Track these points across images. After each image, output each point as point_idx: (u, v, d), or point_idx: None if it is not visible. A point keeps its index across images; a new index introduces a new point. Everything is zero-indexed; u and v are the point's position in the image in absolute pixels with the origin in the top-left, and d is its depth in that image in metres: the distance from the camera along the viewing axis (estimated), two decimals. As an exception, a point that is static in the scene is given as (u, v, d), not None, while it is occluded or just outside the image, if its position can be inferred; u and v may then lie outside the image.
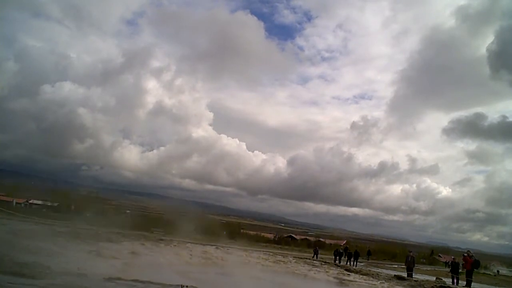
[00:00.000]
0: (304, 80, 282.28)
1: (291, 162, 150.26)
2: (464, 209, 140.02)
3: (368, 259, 33.27)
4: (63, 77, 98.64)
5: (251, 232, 50.04)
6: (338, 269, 23.24)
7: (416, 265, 24.09)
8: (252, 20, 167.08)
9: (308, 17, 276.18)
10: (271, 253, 27.57)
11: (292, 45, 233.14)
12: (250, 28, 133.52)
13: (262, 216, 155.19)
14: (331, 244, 49.98)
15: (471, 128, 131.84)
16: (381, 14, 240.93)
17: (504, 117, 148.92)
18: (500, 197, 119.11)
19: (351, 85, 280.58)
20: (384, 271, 24.59)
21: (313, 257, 30.16)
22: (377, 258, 40.32)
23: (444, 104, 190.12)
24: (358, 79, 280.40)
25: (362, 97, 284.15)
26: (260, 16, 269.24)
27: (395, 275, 21.34)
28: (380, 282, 18.42)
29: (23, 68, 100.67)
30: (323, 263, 25.76)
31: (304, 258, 28.15)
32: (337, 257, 28.81)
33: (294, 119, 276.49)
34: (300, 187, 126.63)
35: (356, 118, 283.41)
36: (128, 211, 45.31)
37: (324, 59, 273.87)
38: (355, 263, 27.62)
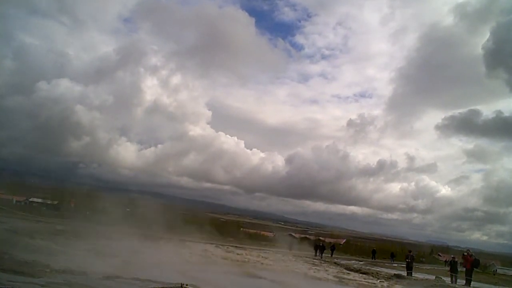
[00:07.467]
0: (305, 78, 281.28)
1: (289, 160, 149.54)
2: (462, 208, 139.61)
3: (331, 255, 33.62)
4: (60, 75, 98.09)
5: (251, 231, 50.01)
6: (338, 267, 23.27)
7: (415, 264, 24.15)
8: (243, 16, 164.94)
9: (308, 14, 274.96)
10: (270, 251, 27.58)
11: (284, 43, 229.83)
12: (241, 25, 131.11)
13: (261, 214, 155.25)
14: (331, 242, 50.03)
15: (466, 124, 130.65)
16: (380, 11, 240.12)
17: (500, 112, 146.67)
18: (498, 196, 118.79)
19: (351, 83, 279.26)
20: (384, 269, 24.61)
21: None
22: (377, 257, 40.35)
23: (442, 103, 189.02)
24: (358, 77, 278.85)
25: (362, 95, 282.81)
26: (260, 14, 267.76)
27: (394, 273, 21.40)
28: (380, 281, 18.46)
29: (20, 65, 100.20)
30: (324, 261, 25.76)
31: (304, 256, 28.18)
32: (317, 251, 31.20)
33: (293, 117, 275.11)
34: (298, 185, 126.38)
35: (354, 116, 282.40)
36: (128, 209, 45.20)
37: (324, 56, 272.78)
38: (331, 255, 32.36)
